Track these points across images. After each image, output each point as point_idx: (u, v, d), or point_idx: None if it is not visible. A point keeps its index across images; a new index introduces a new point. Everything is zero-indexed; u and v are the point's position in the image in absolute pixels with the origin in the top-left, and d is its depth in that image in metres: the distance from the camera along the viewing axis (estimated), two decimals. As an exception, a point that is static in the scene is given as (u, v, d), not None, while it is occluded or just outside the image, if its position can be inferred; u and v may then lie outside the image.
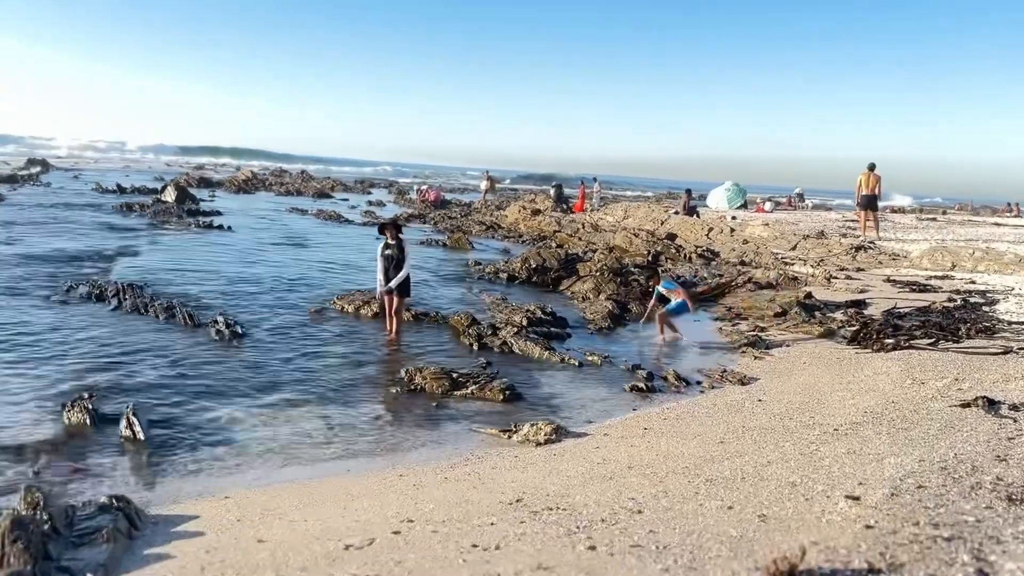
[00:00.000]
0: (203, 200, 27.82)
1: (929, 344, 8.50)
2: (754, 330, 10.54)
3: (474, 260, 16.01)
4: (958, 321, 9.59)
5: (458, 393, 6.94)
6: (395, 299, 9.02)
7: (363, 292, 10.88)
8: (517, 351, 8.72)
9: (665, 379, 7.94)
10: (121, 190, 30.02)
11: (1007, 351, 7.84)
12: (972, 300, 11.36)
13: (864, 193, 19.80)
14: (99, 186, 31.20)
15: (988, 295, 11.85)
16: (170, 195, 25.96)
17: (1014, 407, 5.65)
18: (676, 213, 25.01)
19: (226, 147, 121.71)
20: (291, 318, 9.85)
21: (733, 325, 10.98)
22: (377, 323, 9.80)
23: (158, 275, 12.06)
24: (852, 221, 26.21)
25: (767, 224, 23.12)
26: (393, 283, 8.88)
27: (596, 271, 14.38)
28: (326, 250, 16.91)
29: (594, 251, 19.04)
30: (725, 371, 8.29)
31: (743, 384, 7.79)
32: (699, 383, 7.89)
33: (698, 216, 24.79)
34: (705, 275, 14.93)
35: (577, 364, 8.32)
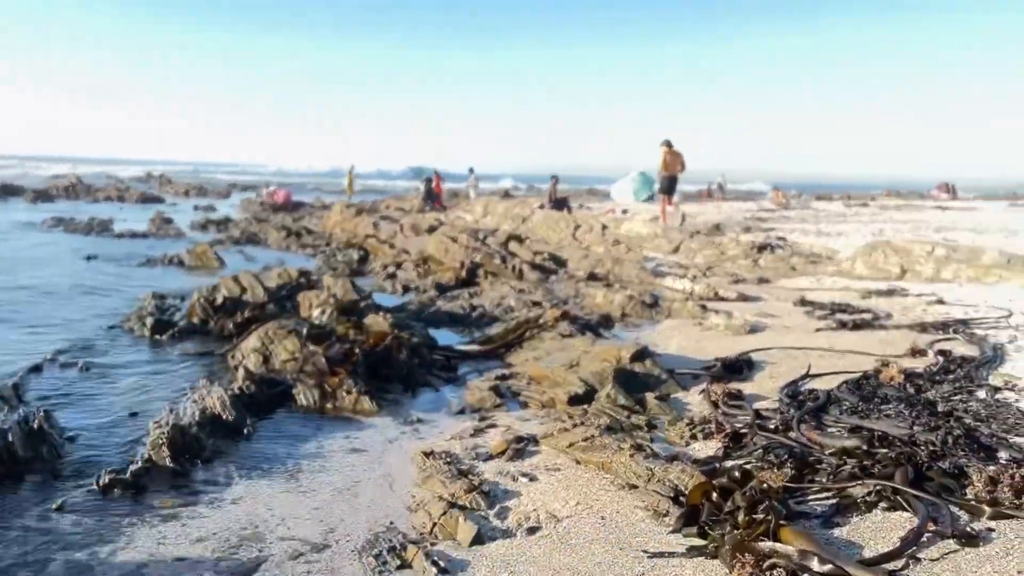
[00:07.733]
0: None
1: (904, 543, 2.75)
2: (508, 446, 4.69)
3: (157, 293, 9.78)
4: (950, 436, 3.90)
5: None
6: None
7: None
8: None
9: None
10: None
11: None
12: (957, 354, 5.80)
13: (664, 174, 15.86)
14: None
15: (972, 325, 6.37)
16: None
17: None
18: (541, 207, 19.34)
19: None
20: None
21: (475, 432, 5.10)
22: None
23: None
24: (767, 210, 21.03)
25: (655, 218, 17.67)
26: None
27: (317, 305, 8.43)
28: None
29: (398, 264, 13.24)
30: None
31: None
32: None
33: (568, 211, 19.20)
34: (512, 302, 9.10)
35: None
